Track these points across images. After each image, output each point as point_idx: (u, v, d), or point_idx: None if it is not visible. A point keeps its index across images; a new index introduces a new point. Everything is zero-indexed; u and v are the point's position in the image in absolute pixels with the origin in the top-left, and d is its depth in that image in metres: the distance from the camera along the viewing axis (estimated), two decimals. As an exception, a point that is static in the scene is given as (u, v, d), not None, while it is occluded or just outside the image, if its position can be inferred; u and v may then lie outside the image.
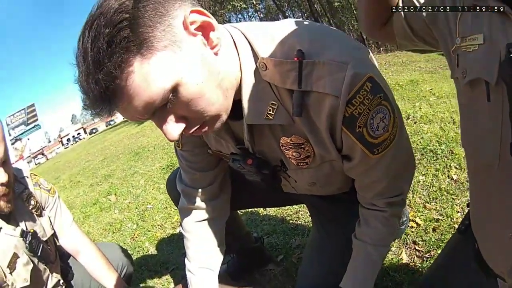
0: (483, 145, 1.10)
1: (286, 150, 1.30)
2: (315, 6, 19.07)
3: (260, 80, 1.15)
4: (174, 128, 1.05)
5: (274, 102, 1.16)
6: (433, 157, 3.63)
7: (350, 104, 1.07)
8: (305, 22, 1.23)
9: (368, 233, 1.50)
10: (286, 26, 1.20)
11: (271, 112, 1.17)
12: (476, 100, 1.06)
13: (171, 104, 0.99)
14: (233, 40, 1.17)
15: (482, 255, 1.29)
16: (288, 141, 1.26)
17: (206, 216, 1.78)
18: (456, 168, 3.31)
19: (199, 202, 1.75)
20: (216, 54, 1.08)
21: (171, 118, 1.04)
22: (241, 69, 1.16)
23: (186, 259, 1.81)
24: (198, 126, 1.10)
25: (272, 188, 1.66)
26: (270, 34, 1.17)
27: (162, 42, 0.94)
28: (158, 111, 1.00)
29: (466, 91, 1.09)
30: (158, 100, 0.96)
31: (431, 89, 6.12)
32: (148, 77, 0.93)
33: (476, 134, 1.12)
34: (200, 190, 1.73)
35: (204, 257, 1.79)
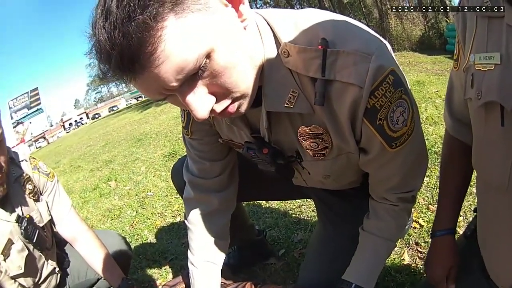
0: (493, 168, 1.09)
1: (304, 140, 1.28)
2: (324, 1, 19.02)
3: (281, 67, 1.13)
4: (204, 102, 0.99)
5: (295, 90, 1.13)
6: (438, 159, 3.60)
7: (372, 96, 1.06)
8: (328, 12, 1.20)
9: (377, 225, 1.49)
10: (309, 14, 1.18)
11: (291, 100, 1.14)
12: (490, 123, 1.04)
13: (202, 72, 0.93)
14: (256, 24, 1.14)
15: (486, 267, 1.28)
16: (307, 130, 1.24)
17: (212, 208, 1.75)
18: (460, 171, 3.28)
19: (206, 193, 1.72)
20: (245, 29, 1.05)
21: (200, 91, 0.97)
22: (263, 54, 1.13)
23: (189, 252, 1.79)
24: (226, 106, 1.05)
25: (284, 179, 1.63)
26: (293, 21, 1.14)
27: (196, 5, 0.88)
28: (186, 82, 0.94)
29: (480, 113, 1.07)
30: (191, 64, 0.89)
31: (437, 91, 6.12)
32: (182, 37, 0.86)
33: (487, 156, 1.11)
34: (208, 180, 1.69)
35: (208, 250, 1.76)
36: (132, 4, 0.81)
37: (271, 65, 1.13)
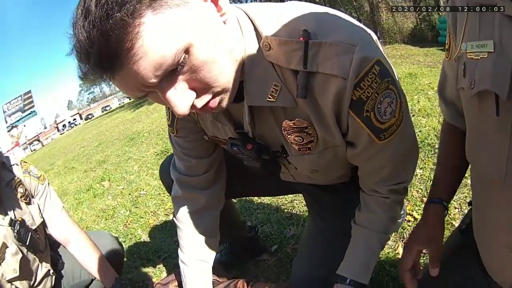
0: (489, 160, 1.07)
1: (288, 135, 1.27)
2: (315, -6, 19.06)
3: (263, 61, 1.12)
4: (183, 98, 0.98)
5: (277, 84, 1.12)
6: (431, 151, 3.61)
7: (358, 87, 1.04)
8: (310, 4, 1.19)
9: (369, 218, 1.47)
10: (291, 6, 1.16)
11: (274, 94, 1.13)
12: (484, 113, 1.02)
13: (181, 68, 0.93)
14: (236, 18, 1.13)
15: (483, 263, 1.27)
16: (291, 124, 1.22)
17: (200, 205, 1.74)
18: (454, 163, 3.28)
19: (193, 190, 1.72)
20: (224, 23, 1.04)
21: (180, 86, 0.97)
22: (244, 48, 1.12)
23: (179, 250, 1.79)
24: (206, 101, 1.04)
25: (271, 175, 1.62)
26: (274, 14, 1.13)
27: (174, 0, 0.88)
28: (166, 78, 0.93)
29: (473, 103, 1.05)
30: (170, 60, 0.88)
31: (429, 83, 6.12)
32: (160, 32, 0.86)
33: (483, 147, 1.10)
34: (195, 178, 1.69)
35: (198, 248, 1.76)
36: (110, 2, 0.81)
37: (252, 59, 1.12)
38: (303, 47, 1.03)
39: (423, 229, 1.46)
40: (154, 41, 0.85)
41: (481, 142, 1.09)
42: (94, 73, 0.89)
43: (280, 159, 1.45)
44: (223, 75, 1.02)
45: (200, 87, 1.00)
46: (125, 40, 0.82)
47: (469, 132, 1.16)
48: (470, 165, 1.25)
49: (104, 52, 0.83)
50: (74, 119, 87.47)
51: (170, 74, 0.93)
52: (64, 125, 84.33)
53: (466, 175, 1.49)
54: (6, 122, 70.49)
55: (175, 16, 0.88)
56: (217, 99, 1.06)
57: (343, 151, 1.29)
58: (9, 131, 69.45)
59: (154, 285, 1.96)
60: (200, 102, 1.03)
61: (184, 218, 1.75)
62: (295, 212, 3.27)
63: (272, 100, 1.14)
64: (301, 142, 1.28)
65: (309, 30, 1.04)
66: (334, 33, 1.04)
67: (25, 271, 1.80)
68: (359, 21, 1.16)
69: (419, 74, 7.04)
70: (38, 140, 69.49)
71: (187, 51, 0.91)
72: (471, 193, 1.54)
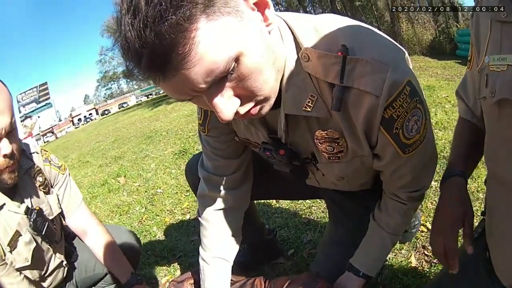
0: (507, 164, 1.10)
1: (320, 144, 1.31)
2: (336, 3, 18.98)
3: (301, 71, 1.15)
4: (229, 105, 1.00)
5: (313, 94, 1.16)
6: (446, 163, 3.58)
7: (390, 107, 1.09)
8: (348, 18, 1.21)
9: (386, 220, 1.58)
10: (329, 20, 1.19)
11: (310, 104, 1.17)
12: (503, 119, 1.06)
13: (230, 75, 0.94)
14: (278, 27, 1.15)
15: (494, 267, 1.29)
16: (324, 134, 1.26)
17: (225, 205, 1.77)
18: (468, 176, 3.27)
19: (220, 190, 1.74)
20: (269, 33, 1.05)
21: (227, 93, 0.98)
22: (285, 57, 1.15)
23: (200, 248, 1.81)
24: (249, 108, 1.06)
25: (298, 180, 1.66)
26: (313, 25, 1.16)
27: (226, 8, 0.88)
28: (214, 84, 0.94)
29: (494, 110, 1.09)
30: (221, 67, 0.89)
31: (447, 96, 6.11)
32: (214, 39, 0.86)
33: (501, 152, 1.13)
34: (223, 177, 1.71)
35: (220, 247, 1.78)
36: (163, 3, 0.80)
37: (291, 69, 1.15)
38: (341, 61, 1.07)
39: (451, 208, 1.42)
40: (208, 48, 0.85)
41: (501, 147, 1.12)
42: (143, 73, 0.89)
43: (309, 166, 1.48)
44: (267, 84, 1.03)
45: (245, 94, 1.02)
46: (181, 44, 0.82)
47: (488, 138, 1.20)
48: (487, 170, 1.29)
49: (157, 54, 0.83)
50: (90, 114, 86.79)
51: (218, 81, 0.93)
52: (79, 119, 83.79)
53: (479, 188, 1.51)
54: (20, 112, 70.24)
55: (227, 24, 0.88)
56: (258, 107, 1.08)
57: (370, 161, 1.34)
58: (22, 121, 69.29)
59: (169, 282, 1.99)
60: (243, 109, 1.05)
61: (209, 217, 1.77)
62: (312, 218, 3.28)
63: (308, 110, 1.18)
64: (331, 151, 1.32)
65: (347, 45, 1.07)
66: (370, 50, 1.08)
67: (38, 261, 1.81)
68: (379, 30, 1.19)
69: (437, 87, 7.03)
70: (52, 132, 69.35)
71: (237, 59, 0.92)
72: (482, 205, 1.57)
